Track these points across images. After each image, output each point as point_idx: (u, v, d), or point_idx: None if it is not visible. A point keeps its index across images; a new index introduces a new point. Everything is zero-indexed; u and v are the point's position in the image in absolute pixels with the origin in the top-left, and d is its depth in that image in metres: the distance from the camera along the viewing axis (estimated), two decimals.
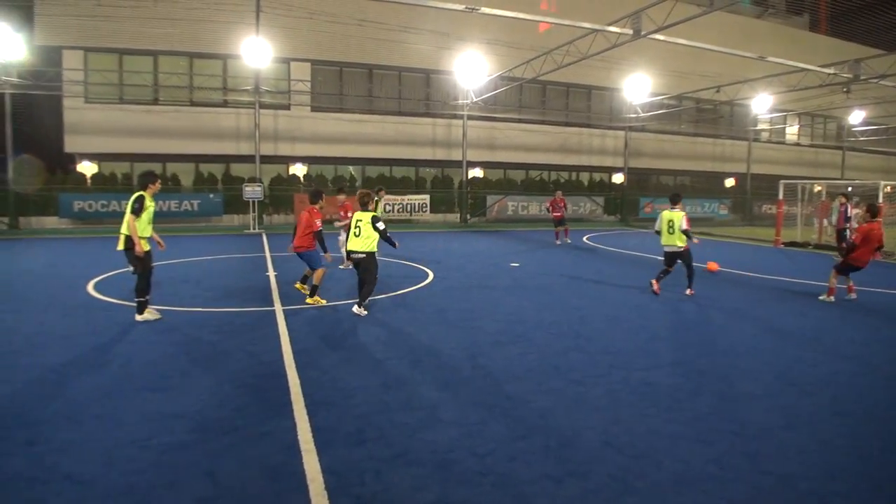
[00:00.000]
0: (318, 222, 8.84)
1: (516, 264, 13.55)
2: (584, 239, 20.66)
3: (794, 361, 6.27)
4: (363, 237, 7.89)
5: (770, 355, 6.48)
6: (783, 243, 19.74)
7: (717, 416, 4.70)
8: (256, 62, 21.65)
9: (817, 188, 23.29)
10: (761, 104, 28.29)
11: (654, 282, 9.94)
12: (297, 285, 9.53)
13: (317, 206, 9.00)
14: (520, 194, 28.96)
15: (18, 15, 22.07)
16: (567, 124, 31.45)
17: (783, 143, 38.94)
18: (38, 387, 5.11)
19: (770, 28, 35.95)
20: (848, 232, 16.23)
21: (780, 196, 20.46)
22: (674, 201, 9.96)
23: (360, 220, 7.93)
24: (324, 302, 8.77)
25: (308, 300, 8.76)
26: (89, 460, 3.77)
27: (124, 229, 7.37)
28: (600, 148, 32.61)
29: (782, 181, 20.80)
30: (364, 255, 7.95)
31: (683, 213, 9.69)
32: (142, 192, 7.45)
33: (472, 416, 4.58)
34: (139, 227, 7.35)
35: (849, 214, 16.53)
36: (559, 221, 18.80)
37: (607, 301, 9.40)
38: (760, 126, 36.64)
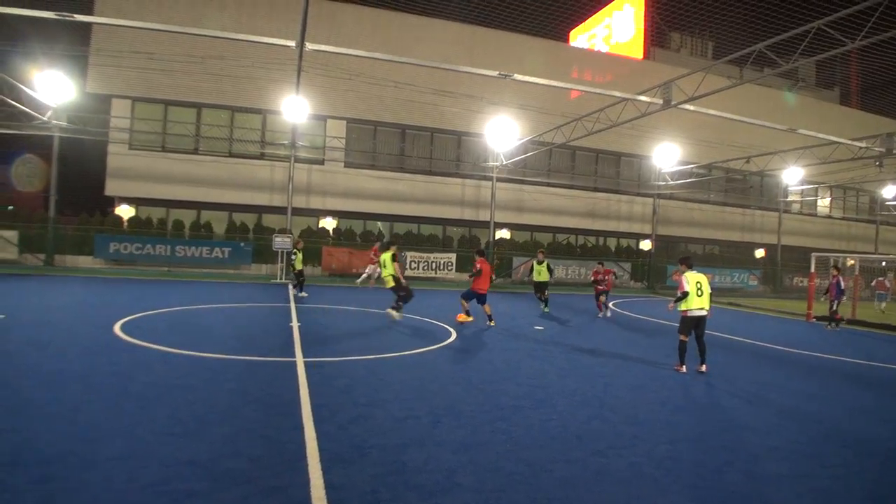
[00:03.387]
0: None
1: (540, 328, 13.42)
2: (610, 305, 20.40)
3: (825, 441, 6.01)
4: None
5: (799, 433, 6.23)
6: (815, 317, 19.25)
7: (743, 496, 4.49)
8: (294, 118, 22.41)
9: (850, 262, 22.86)
10: (792, 176, 28.23)
11: (680, 367, 9.14)
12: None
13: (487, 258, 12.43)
14: (547, 257, 28.90)
15: (73, 63, 23.35)
16: (596, 189, 31.70)
17: (815, 215, 38.57)
18: (56, 424, 5.12)
19: (800, 100, 36.22)
20: (835, 304, 17.00)
21: (812, 269, 20.10)
22: (690, 264, 9.52)
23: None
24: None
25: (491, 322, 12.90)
26: (99, 502, 3.73)
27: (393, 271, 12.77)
28: (628, 214, 32.66)
29: (814, 254, 20.49)
30: None
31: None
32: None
33: (490, 482, 4.44)
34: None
35: (842, 287, 17.03)
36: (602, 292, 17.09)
37: (631, 370, 9.19)
38: (791, 197, 36.44)
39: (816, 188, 36.50)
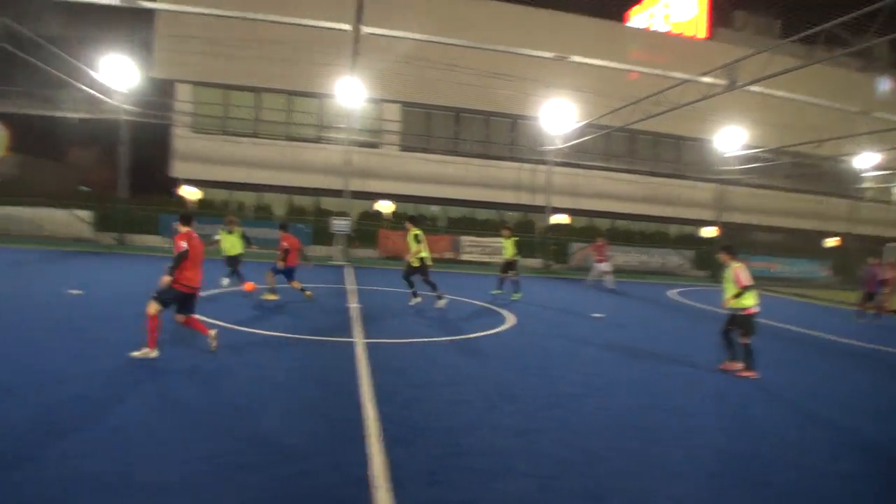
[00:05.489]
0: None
1: (599, 315, 13.19)
2: (670, 294, 19.91)
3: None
4: None
5: (876, 431, 5.94)
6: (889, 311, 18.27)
7: (805, 496, 4.32)
8: (350, 102, 22.62)
9: None
10: (866, 161, 26.78)
11: (734, 364, 8.03)
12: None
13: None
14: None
15: (139, 50, 24.27)
16: (655, 174, 30.84)
17: (891, 202, 36.50)
18: (127, 394, 5.39)
19: (875, 81, 34.14)
20: (876, 295, 16.10)
21: (886, 260, 19.09)
22: (734, 253, 8.25)
23: None
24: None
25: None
26: (165, 471, 3.92)
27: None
28: (690, 200, 31.68)
29: (888, 244, 19.44)
30: None
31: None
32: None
33: (546, 468, 4.42)
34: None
35: (878, 279, 16.04)
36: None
37: (692, 359, 8.94)
38: (866, 184, 34.58)
39: (894, 174, 34.50)
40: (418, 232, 12.17)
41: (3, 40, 16.68)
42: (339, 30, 16.08)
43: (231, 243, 12.87)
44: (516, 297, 14.45)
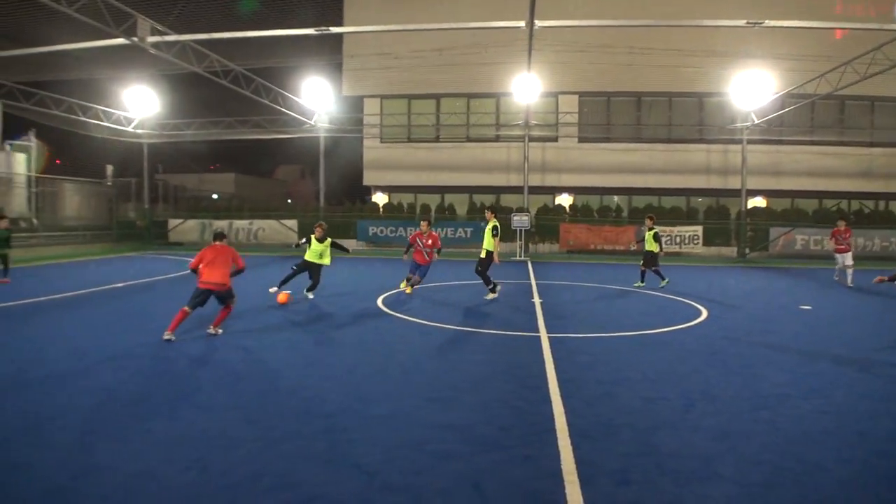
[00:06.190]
0: None
1: (807, 307, 11.84)
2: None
3: None
4: None
5: None
6: None
7: None
8: (526, 98, 22.66)
9: None
10: None
11: None
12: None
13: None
14: (811, 227, 25.29)
15: (330, 71, 26.80)
16: (872, 144, 26.76)
17: None
18: (336, 383, 5.96)
19: None
20: None
21: None
22: None
23: None
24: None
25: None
26: (373, 454, 4.24)
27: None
28: None
29: None
30: None
31: None
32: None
33: (754, 475, 4.06)
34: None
35: None
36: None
37: None
38: None
39: None
40: (497, 224, 11.90)
41: (220, 78, 19.26)
42: (514, 28, 16.17)
43: (316, 251, 11.73)
44: (639, 285, 14.32)
